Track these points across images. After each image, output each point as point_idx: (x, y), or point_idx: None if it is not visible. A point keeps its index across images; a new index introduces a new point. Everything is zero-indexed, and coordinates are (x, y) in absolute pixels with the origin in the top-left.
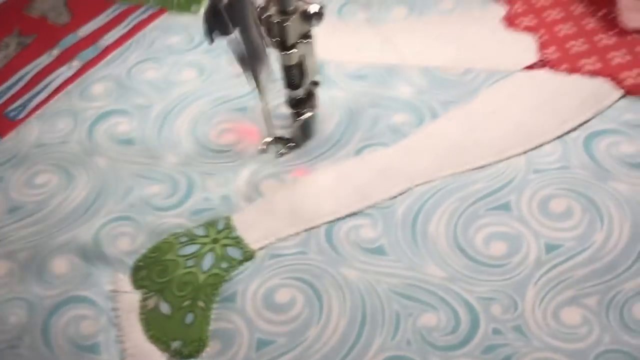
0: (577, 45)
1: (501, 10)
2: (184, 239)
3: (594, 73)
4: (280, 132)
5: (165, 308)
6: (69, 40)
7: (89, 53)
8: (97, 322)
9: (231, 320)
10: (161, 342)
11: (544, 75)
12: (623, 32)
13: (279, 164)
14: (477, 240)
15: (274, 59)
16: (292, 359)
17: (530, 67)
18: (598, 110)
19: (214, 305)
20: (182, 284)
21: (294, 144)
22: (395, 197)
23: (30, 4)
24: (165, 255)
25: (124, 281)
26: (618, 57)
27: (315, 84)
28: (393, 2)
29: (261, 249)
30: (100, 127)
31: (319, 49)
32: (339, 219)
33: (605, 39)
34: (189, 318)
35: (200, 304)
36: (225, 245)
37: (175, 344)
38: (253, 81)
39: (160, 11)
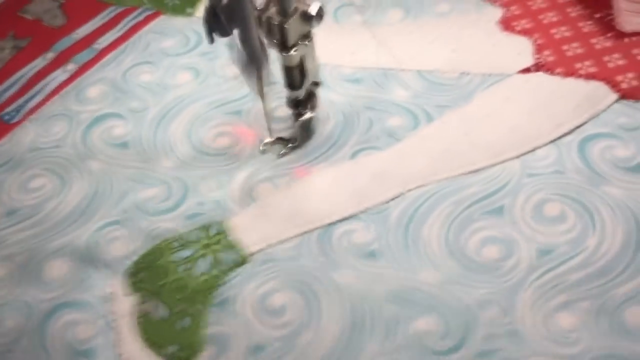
0: (573, 49)
1: (497, 13)
2: (178, 244)
3: (589, 76)
4: (280, 133)
5: (160, 312)
6: (64, 43)
7: (84, 56)
8: (93, 326)
9: (226, 324)
10: (157, 347)
11: (539, 78)
12: (619, 35)
13: (273, 168)
14: (470, 244)
15: (274, 59)
16: None
17: (525, 70)
18: (593, 114)
19: (209, 309)
20: (177, 288)
21: (294, 144)
22: (389, 201)
23: (25, 7)
24: (159, 260)
25: (120, 285)
26: (614, 61)
27: (316, 84)
28: (389, 4)
29: (255, 253)
30: (95, 130)
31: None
32: (333, 223)
33: (601, 42)
34: (185, 322)
35: (196, 308)
36: (220, 250)
37: (171, 348)
38: (253, 82)
39: (156, 14)
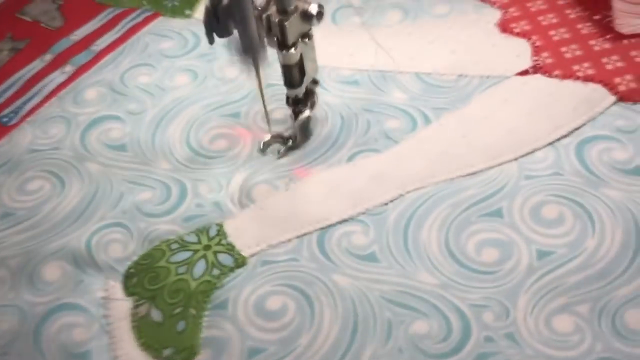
0: (571, 51)
1: (496, 15)
2: (175, 246)
3: (587, 79)
4: (279, 131)
5: (156, 315)
6: (62, 44)
7: (82, 58)
8: (89, 329)
9: (223, 327)
10: (153, 350)
11: (537, 80)
12: (617, 37)
13: (272, 170)
14: (469, 247)
15: (274, 58)
16: None
17: (523, 72)
18: (591, 116)
19: (206, 313)
20: (174, 291)
21: (293, 142)
22: (387, 203)
23: (24, 8)
24: (157, 262)
25: (116, 288)
26: (612, 62)
27: (315, 82)
28: (387, 6)
29: (253, 255)
30: (93, 132)
31: None
32: (331, 226)
33: (600, 44)
34: (181, 325)
35: (192, 311)
36: (217, 252)
37: (167, 352)
38: (251, 70)
39: (154, 15)
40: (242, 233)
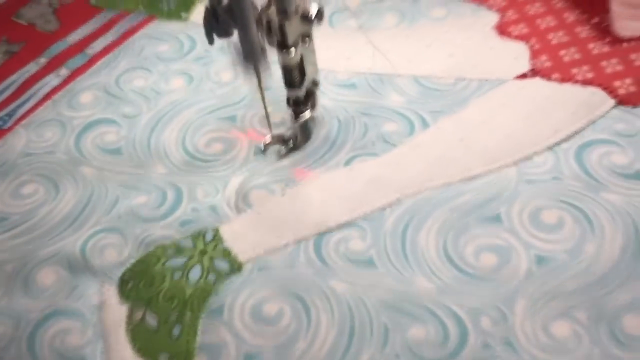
0: (570, 54)
1: (493, 18)
2: (171, 251)
3: (586, 82)
4: (280, 132)
5: (152, 321)
6: (57, 47)
7: (77, 61)
8: (84, 335)
9: (218, 333)
10: (148, 356)
11: (535, 84)
12: (616, 41)
13: (269, 174)
14: (467, 252)
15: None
16: None
17: (521, 76)
18: (590, 120)
19: (201, 318)
20: (170, 296)
21: (294, 143)
22: (384, 208)
23: (19, 11)
24: (152, 268)
25: (111, 293)
26: (611, 66)
27: (315, 84)
28: (384, 9)
29: (249, 260)
30: (87, 136)
31: None
32: (328, 231)
33: (598, 48)
34: (176, 331)
35: (188, 316)
36: (213, 257)
37: (162, 357)
38: (251, 75)
39: (149, 18)
40: (239, 238)
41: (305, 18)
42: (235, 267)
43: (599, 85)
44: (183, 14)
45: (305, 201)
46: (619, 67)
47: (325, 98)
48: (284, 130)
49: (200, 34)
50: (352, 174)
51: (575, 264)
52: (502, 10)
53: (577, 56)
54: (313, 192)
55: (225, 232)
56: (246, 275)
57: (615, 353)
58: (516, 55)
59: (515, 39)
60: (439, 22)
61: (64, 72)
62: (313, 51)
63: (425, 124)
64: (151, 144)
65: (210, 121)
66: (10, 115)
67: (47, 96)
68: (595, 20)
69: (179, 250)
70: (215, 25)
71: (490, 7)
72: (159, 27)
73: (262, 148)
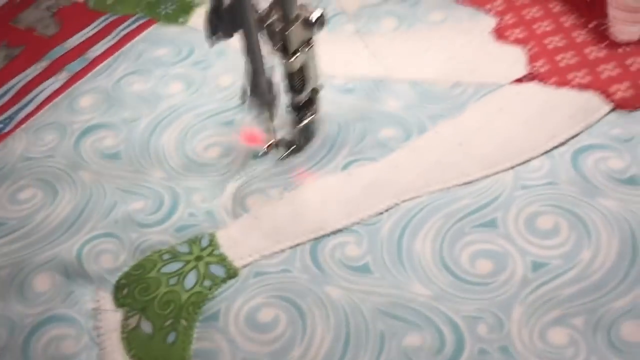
0: (567, 58)
1: (491, 22)
2: (167, 256)
3: (583, 86)
4: (281, 136)
5: (147, 327)
6: (57, 52)
7: (76, 65)
8: (79, 341)
9: (213, 339)
10: None
11: (532, 88)
12: (613, 45)
13: (266, 179)
14: (463, 258)
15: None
16: None
17: (519, 80)
18: (587, 125)
19: (197, 325)
20: (165, 302)
21: (295, 147)
22: (381, 213)
23: (18, 16)
24: (148, 273)
25: (106, 299)
26: (608, 70)
27: (317, 89)
28: (382, 13)
29: (245, 266)
30: (86, 140)
31: None
32: (324, 236)
33: (596, 52)
34: (171, 337)
35: (183, 323)
36: (209, 263)
37: None
38: (264, 116)
39: (148, 23)
40: (235, 243)
41: (307, 23)
42: (231, 272)
43: (596, 89)
44: (181, 19)
45: (301, 206)
46: (616, 72)
47: (323, 103)
48: (285, 134)
49: (198, 38)
50: (350, 178)
51: (572, 270)
52: (499, 15)
53: (573, 61)
54: (310, 197)
55: (222, 237)
56: (242, 281)
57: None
58: (513, 59)
59: (513, 43)
60: (437, 26)
61: (63, 76)
62: (315, 57)
63: (422, 129)
64: (149, 149)
65: (208, 126)
66: (10, 118)
67: (47, 100)
68: (593, 24)
69: (174, 255)
70: (217, 27)
71: (487, 11)
72: (158, 31)
73: (263, 152)
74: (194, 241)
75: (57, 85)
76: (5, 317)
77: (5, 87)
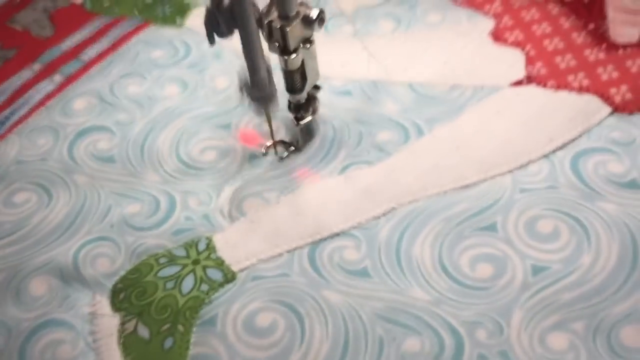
0: (565, 61)
1: (489, 24)
2: (164, 260)
3: (582, 89)
4: (281, 136)
5: (144, 332)
6: (52, 53)
7: (71, 67)
8: (75, 346)
9: (211, 344)
10: None
11: (531, 91)
12: (612, 47)
13: (263, 182)
14: (462, 262)
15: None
16: None
17: (517, 83)
18: (586, 128)
19: (194, 329)
20: (162, 307)
21: (296, 147)
22: (379, 217)
23: (13, 17)
24: (144, 277)
25: (103, 304)
26: (607, 73)
27: (317, 88)
28: (380, 15)
29: (243, 270)
30: (81, 143)
31: None
32: (322, 240)
33: (594, 54)
34: (168, 342)
35: (180, 327)
36: (206, 267)
37: None
38: (262, 112)
39: (144, 24)
40: (232, 247)
41: (307, 22)
42: (229, 277)
43: (595, 92)
44: (178, 20)
45: (299, 210)
46: (615, 74)
47: (320, 104)
48: (284, 134)
49: (195, 40)
50: (347, 182)
51: (572, 274)
52: (497, 16)
53: (572, 63)
54: (307, 201)
55: (219, 241)
56: (239, 286)
57: None
58: (512, 62)
59: (511, 45)
60: (435, 27)
61: (57, 78)
62: (314, 55)
63: (420, 132)
64: (145, 152)
65: (204, 128)
66: (3, 122)
67: (41, 103)
68: (592, 26)
69: (171, 259)
70: (216, 25)
71: (486, 13)
72: (154, 33)
73: (263, 153)
74: (190, 245)
75: (51, 88)
76: (1, 322)
77: None
